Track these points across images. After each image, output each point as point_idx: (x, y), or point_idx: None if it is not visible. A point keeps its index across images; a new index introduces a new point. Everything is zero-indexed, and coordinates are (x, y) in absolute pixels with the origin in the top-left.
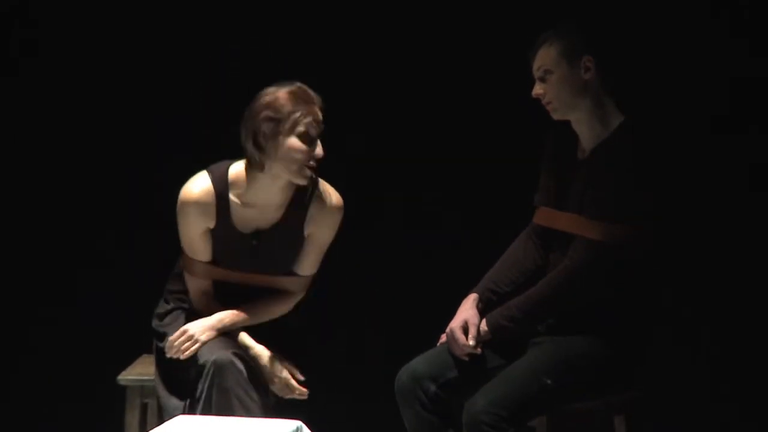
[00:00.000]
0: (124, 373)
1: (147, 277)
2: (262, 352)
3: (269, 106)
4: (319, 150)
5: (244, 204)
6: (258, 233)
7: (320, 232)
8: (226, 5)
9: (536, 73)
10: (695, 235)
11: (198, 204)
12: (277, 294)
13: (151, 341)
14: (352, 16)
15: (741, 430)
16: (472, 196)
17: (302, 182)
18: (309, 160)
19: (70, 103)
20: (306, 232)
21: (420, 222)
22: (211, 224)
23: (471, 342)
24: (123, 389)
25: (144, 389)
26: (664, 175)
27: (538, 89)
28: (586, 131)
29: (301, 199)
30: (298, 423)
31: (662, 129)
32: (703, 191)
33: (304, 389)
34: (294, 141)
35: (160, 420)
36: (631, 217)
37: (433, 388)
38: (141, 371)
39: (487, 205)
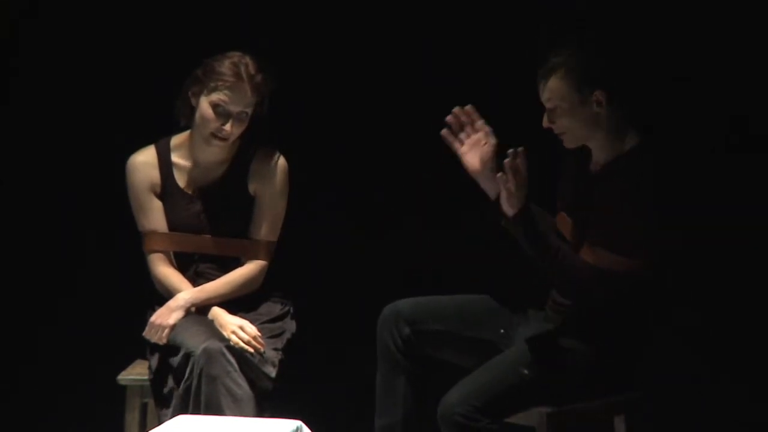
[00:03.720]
0: (124, 373)
1: (148, 277)
2: (217, 310)
3: (205, 66)
4: (227, 126)
5: (187, 163)
6: (203, 191)
7: (266, 193)
8: (222, 5)
9: (546, 103)
10: (697, 240)
11: (142, 163)
12: (239, 266)
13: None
14: (351, 16)
15: (741, 430)
16: (472, 195)
17: (209, 147)
18: (216, 131)
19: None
20: (251, 190)
21: (419, 222)
22: (157, 186)
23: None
24: (123, 389)
25: (144, 389)
26: (676, 197)
27: (547, 122)
28: (601, 153)
29: (243, 157)
30: (298, 423)
31: (676, 151)
32: (710, 197)
33: (259, 345)
34: (205, 106)
35: (160, 420)
36: (640, 252)
37: (407, 330)
38: (141, 371)
39: (487, 204)
